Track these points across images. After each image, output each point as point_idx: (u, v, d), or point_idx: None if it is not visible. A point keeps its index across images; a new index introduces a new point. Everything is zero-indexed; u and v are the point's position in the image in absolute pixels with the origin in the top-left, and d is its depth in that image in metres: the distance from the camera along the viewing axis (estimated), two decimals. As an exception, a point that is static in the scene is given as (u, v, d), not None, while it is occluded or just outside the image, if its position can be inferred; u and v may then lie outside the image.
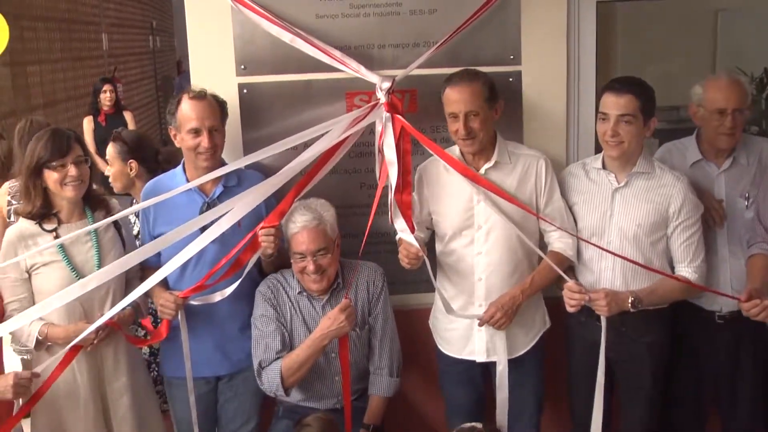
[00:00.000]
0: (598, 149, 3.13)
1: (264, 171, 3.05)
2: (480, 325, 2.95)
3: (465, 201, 2.94)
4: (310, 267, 2.90)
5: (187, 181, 2.97)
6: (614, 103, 2.83)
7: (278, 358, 2.95)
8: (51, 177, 2.77)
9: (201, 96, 2.94)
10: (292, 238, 2.93)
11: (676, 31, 6.19)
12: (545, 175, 2.96)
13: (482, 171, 2.93)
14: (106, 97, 7.61)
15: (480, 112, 2.83)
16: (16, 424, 2.82)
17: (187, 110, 2.92)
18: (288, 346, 2.99)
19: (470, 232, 2.96)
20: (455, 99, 2.84)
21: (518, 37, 3.20)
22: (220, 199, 2.94)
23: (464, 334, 3.04)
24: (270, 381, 2.95)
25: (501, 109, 2.94)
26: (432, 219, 3.05)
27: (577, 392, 3.12)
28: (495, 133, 2.96)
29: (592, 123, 3.24)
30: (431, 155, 2.97)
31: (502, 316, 2.90)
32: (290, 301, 3.02)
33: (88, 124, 7.59)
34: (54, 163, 2.75)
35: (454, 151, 2.98)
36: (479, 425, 2.78)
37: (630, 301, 2.78)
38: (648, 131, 2.87)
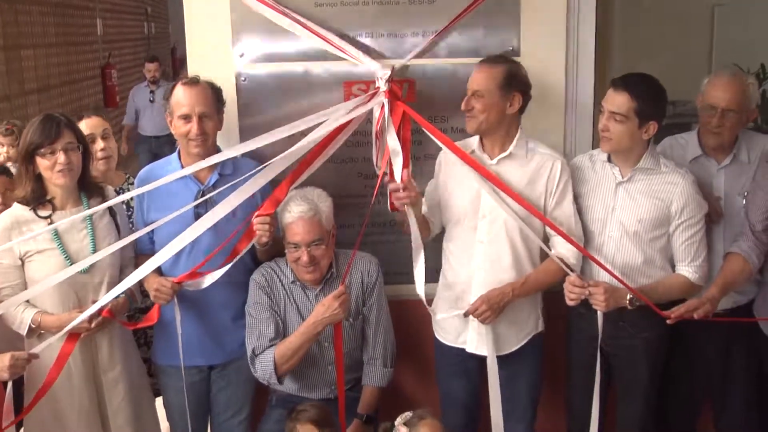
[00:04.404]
0: (596, 142, 3.12)
1: (260, 159, 3.03)
2: (465, 316, 2.94)
3: (473, 188, 2.90)
4: (304, 258, 2.89)
5: (182, 168, 2.95)
6: (610, 99, 2.82)
7: (272, 345, 2.94)
8: (42, 163, 2.75)
9: (193, 82, 2.91)
10: (286, 228, 2.91)
11: (673, 26, 6.20)
12: (559, 177, 2.89)
13: (495, 160, 2.90)
14: None
15: (486, 95, 2.80)
16: (20, 419, 2.80)
17: (178, 96, 2.91)
18: (281, 334, 2.98)
19: (474, 220, 2.93)
20: (472, 77, 2.86)
21: (517, 28, 3.18)
22: (216, 187, 2.92)
23: (460, 323, 3.02)
24: (263, 368, 2.94)
25: (517, 103, 2.86)
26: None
27: (574, 385, 3.13)
28: (517, 127, 2.91)
29: (590, 115, 3.24)
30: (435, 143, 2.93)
31: (487, 310, 2.87)
32: (284, 289, 3.01)
33: None
34: (43, 150, 2.73)
35: (474, 139, 2.95)
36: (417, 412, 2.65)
37: (628, 298, 2.77)
38: (646, 134, 2.82)
